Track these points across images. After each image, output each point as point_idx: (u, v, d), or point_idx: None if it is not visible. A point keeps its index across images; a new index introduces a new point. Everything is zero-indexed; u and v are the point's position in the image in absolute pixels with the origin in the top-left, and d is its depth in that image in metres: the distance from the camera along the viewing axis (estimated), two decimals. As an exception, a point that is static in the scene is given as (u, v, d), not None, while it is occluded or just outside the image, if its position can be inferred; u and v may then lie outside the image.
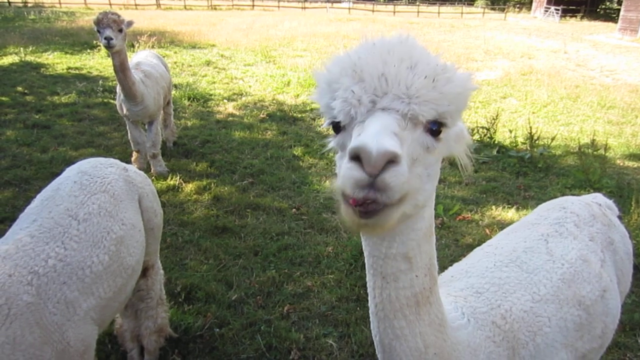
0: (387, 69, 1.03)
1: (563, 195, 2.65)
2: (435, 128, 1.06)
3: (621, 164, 7.06)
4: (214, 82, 11.33)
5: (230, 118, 8.61)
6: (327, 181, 5.96)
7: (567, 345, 1.68)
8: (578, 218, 2.04)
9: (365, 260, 1.28)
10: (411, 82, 1.02)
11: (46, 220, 2.06)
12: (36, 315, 1.80)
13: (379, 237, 1.20)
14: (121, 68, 5.10)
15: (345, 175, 0.94)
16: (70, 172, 2.39)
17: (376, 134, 0.93)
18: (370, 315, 1.32)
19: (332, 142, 1.18)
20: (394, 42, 1.09)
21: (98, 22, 4.95)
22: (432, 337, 1.27)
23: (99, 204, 2.21)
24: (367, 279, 1.30)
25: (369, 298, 1.31)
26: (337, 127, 1.12)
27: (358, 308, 3.65)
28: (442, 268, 1.85)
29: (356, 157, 0.92)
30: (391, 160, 0.91)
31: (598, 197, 2.30)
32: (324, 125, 1.19)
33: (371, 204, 0.95)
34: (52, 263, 1.92)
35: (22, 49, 13.52)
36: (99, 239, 2.11)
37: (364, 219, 0.98)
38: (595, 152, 6.74)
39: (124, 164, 2.62)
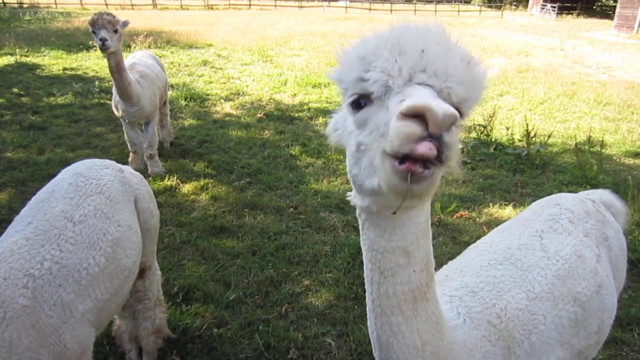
0: (427, 46, 1.04)
1: (560, 192, 2.66)
2: (462, 110, 1.07)
3: (617, 161, 7.08)
4: (211, 82, 11.31)
5: (228, 118, 8.60)
6: (325, 180, 5.96)
7: (563, 342, 1.69)
8: (572, 214, 2.04)
9: (364, 256, 1.29)
10: (449, 61, 1.03)
11: (41, 223, 2.06)
12: (32, 318, 1.79)
13: (380, 230, 1.20)
14: (117, 69, 5.08)
15: (402, 131, 0.92)
16: (65, 173, 2.38)
17: (430, 98, 0.93)
18: (368, 311, 1.33)
19: (349, 119, 1.16)
20: (430, 25, 1.11)
21: (93, 23, 4.93)
22: (429, 335, 1.28)
23: (95, 206, 2.20)
24: (364, 274, 1.31)
25: (367, 294, 1.31)
26: (358, 105, 1.11)
27: (356, 306, 3.65)
28: (439, 265, 1.85)
29: (414, 116, 0.91)
30: (452, 124, 0.92)
31: (596, 194, 2.31)
32: (345, 102, 1.17)
33: (422, 171, 0.94)
34: (47, 265, 1.92)
35: (17, 50, 13.48)
36: (95, 240, 2.11)
37: (413, 184, 0.96)
38: (591, 149, 6.76)
39: (119, 165, 2.62)
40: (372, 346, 1.36)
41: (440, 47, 1.04)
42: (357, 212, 1.27)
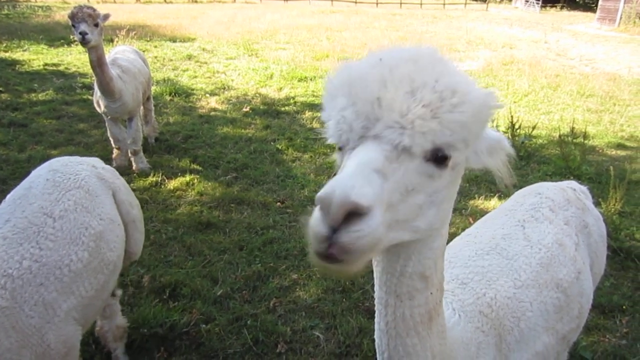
0: (383, 93, 0.95)
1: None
2: (440, 155, 0.99)
3: (600, 151, 7.19)
4: (196, 77, 11.18)
5: (213, 112, 8.52)
6: (312, 174, 5.94)
7: (548, 328, 1.72)
8: (553, 203, 2.07)
9: (376, 277, 1.23)
10: (407, 110, 0.94)
11: (20, 220, 2.01)
12: (12, 320, 1.75)
13: (393, 255, 1.15)
14: (98, 63, 4.99)
15: (310, 225, 0.89)
16: (41, 170, 2.34)
17: (349, 177, 0.87)
18: (378, 331, 1.26)
19: (337, 158, 1.11)
20: (403, 59, 1.00)
21: (73, 17, 4.84)
22: (437, 347, 1.26)
23: (75, 200, 2.16)
24: (376, 295, 1.24)
25: (377, 315, 1.25)
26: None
27: (344, 299, 3.66)
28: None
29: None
30: (355, 212, 0.85)
31: (572, 184, 2.34)
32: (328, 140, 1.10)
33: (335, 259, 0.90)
34: (26, 264, 1.88)
35: (-4, 45, 13.15)
36: (77, 235, 2.07)
37: (330, 264, 0.92)
38: (574, 140, 6.84)
39: (91, 161, 2.58)
40: None
41: (398, 93, 0.95)
42: None
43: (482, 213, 4.96)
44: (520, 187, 2.39)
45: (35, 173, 2.34)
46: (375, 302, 1.25)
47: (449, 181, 1.06)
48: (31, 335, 1.80)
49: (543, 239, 1.89)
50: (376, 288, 1.23)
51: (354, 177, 0.88)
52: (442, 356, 1.28)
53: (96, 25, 4.89)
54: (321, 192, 0.86)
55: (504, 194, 5.47)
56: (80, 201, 2.19)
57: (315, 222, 0.88)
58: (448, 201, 1.11)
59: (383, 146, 0.94)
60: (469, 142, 1.02)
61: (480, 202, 5.32)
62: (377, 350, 1.30)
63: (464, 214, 5.05)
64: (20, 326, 1.78)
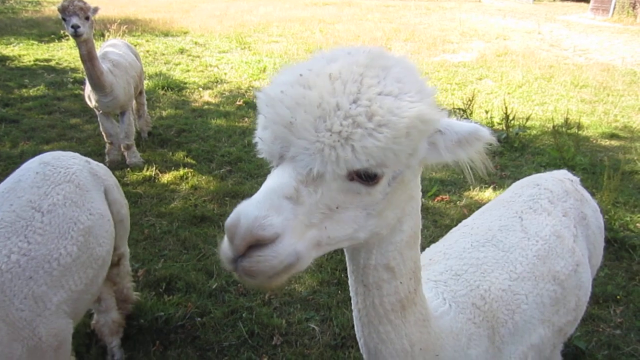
0: (294, 118, 0.92)
1: (538, 173, 2.73)
2: (365, 174, 0.95)
3: (594, 142, 7.21)
4: (189, 70, 11.08)
5: (206, 106, 8.46)
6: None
7: (544, 320, 1.71)
8: (552, 194, 2.06)
9: (347, 266, 1.24)
10: (315, 137, 0.91)
11: (7, 214, 1.98)
12: (2, 313, 1.74)
13: (354, 248, 1.15)
14: (89, 57, 4.94)
15: (221, 250, 0.94)
16: (31, 163, 2.31)
17: (256, 206, 0.89)
18: (354, 319, 1.29)
19: None
20: (322, 75, 0.96)
21: (63, 10, 4.78)
22: (417, 335, 1.26)
23: (64, 195, 2.14)
24: (349, 283, 1.27)
25: (352, 303, 1.27)
26: None
27: (339, 291, 3.66)
28: (421, 249, 1.84)
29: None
30: (260, 244, 0.87)
31: (566, 174, 2.34)
32: None
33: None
34: (15, 258, 1.86)
35: (-15, 40, 12.98)
36: (66, 230, 2.05)
37: (248, 279, 0.93)
38: (568, 131, 6.85)
39: (85, 157, 2.57)
40: (360, 349, 1.33)
41: (309, 116, 0.92)
42: None
43: (476, 204, 4.97)
44: (516, 179, 2.39)
45: (25, 166, 2.32)
46: (350, 289, 1.27)
47: (386, 193, 1.02)
48: (22, 329, 1.79)
49: (541, 230, 1.88)
50: (349, 277, 1.26)
51: (261, 206, 0.89)
52: (424, 344, 1.28)
53: (87, 18, 4.84)
54: (228, 221, 0.89)
55: (499, 185, 5.48)
56: (69, 195, 2.16)
57: (224, 246, 0.92)
58: (393, 208, 1.07)
59: (298, 170, 0.94)
60: (401, 158, 0.97)
61: (474, 194, 5.33)
62: (357, 337, 1.33)
63: (458, 205, 5.05)
64: (10, 319, 1.76)
